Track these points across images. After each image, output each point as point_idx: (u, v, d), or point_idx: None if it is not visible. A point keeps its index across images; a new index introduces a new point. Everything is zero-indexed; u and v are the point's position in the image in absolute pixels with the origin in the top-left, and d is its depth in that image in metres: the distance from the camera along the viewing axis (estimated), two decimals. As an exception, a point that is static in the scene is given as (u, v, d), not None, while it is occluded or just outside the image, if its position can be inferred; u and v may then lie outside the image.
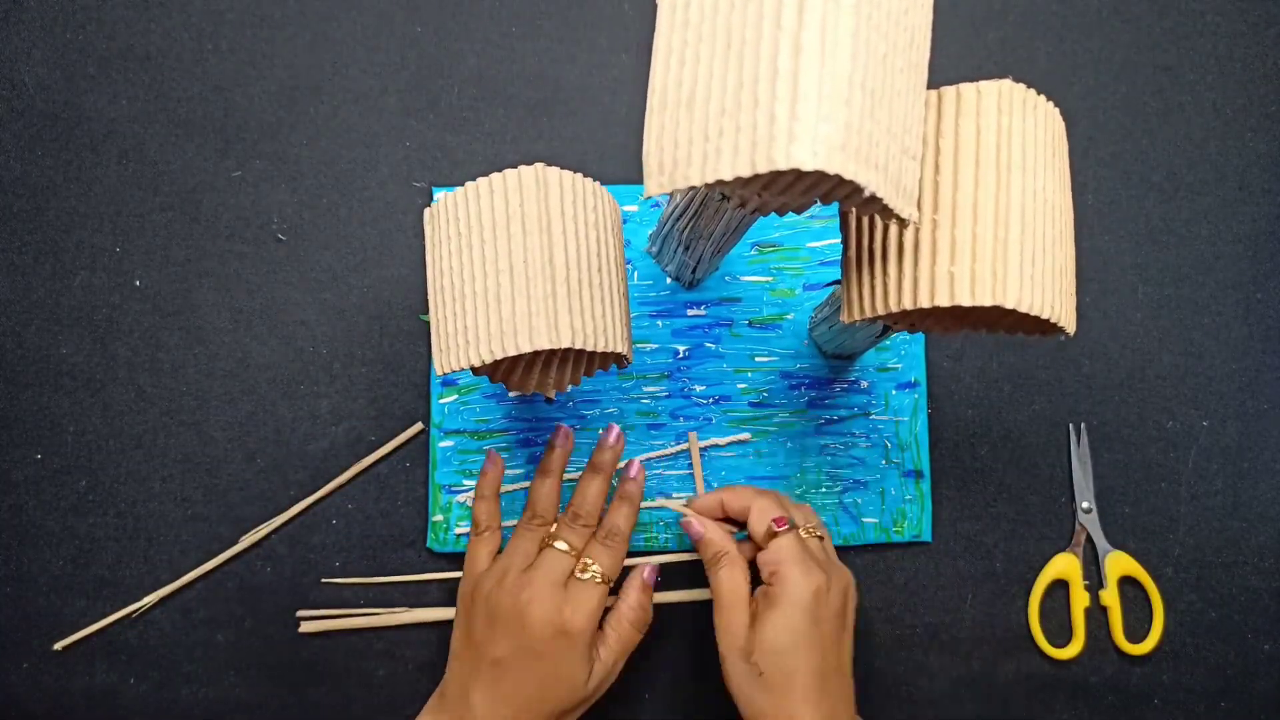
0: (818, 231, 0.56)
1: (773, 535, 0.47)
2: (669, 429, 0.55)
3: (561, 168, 0.39)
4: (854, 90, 0.26)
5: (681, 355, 0.55)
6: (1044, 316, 0.33)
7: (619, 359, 0.42)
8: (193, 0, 0.58)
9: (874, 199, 0.28)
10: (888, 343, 0.56)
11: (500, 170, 0.39)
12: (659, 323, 0.56)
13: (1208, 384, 0.57)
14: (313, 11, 0.58)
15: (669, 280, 0.56)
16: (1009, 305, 0.32)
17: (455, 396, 0.55)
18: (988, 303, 0.32)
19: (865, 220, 0.36)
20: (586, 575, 0.47)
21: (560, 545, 0.47)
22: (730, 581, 0.47)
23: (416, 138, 0.57)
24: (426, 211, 0.41)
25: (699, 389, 0.55)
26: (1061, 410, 0.57)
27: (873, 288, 0.35)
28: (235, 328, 0.56)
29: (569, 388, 0.45)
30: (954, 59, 0.59)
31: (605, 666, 0.47)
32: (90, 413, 0.55)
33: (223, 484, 0.55)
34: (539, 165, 0.38)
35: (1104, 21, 0.59)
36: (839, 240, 0.56)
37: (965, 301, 0.32)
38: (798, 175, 0.27)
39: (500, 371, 0.44)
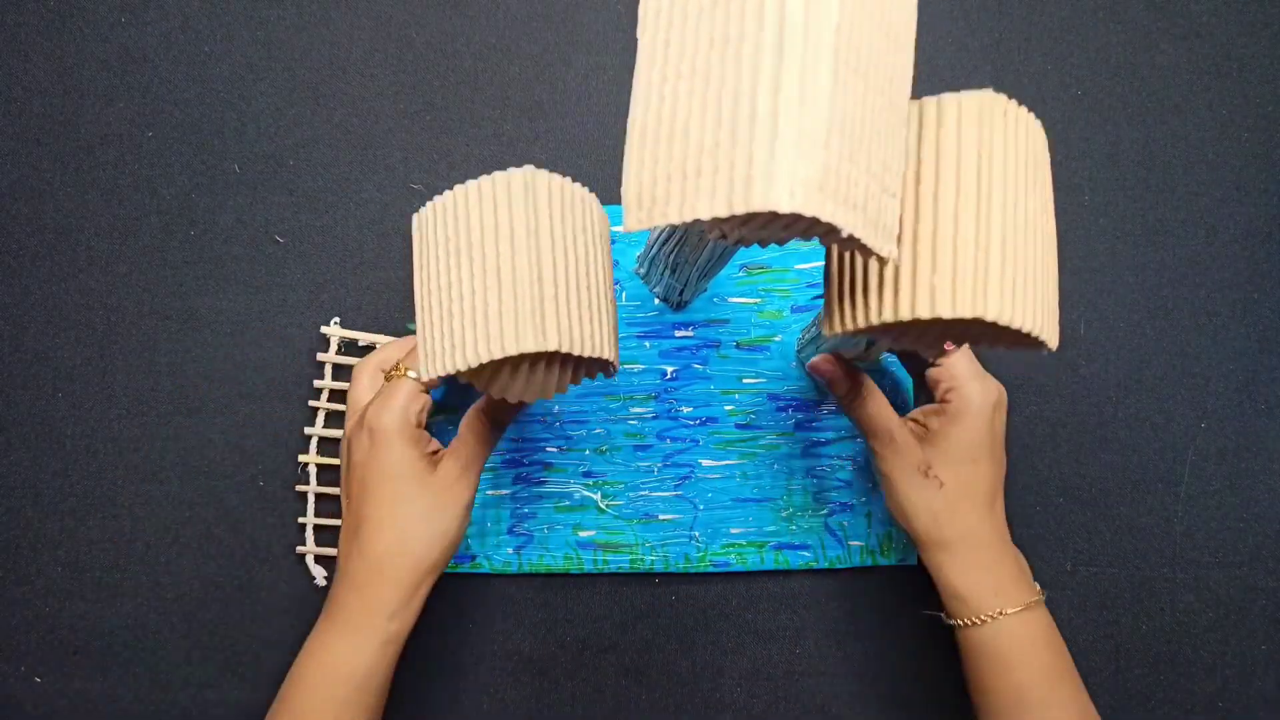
0: (806, 254, 0.56)
1: (944, 352, 0.47)
2: (656, 450, 0.55)
3: (558, 172, 0.39)
4: (832, 132, 0.26)
5: (669, 376, 0.55)
6: (1025, 330, 0.33)
7: (605, 366, 0.42)
8: (190, 3, 0.58)
9: (852, 238, 0.28)
10: (875, 364, 0.55)
11: (494, 173, 0.39)
12: (646, 343, 0.55)
13: (1205, 384, 0.57)
14: (310, 15, 0.58)
15: (657, 301, 0.56)
16: (990, 317, 0.32)
17: (442, 417, 0.54)
18: (968, 315, 0.32)
19: None
20: (398, 373, 0.45)
21: (396, 372, 0.46)
22: (881, 408, 0.47)
23: (413, 140, 0.57)
24: (415, 217, 0.41)
25: (686, 410, 0.55)
26: (1058, 411, 0.57)
27: (854, 300, 0.35)
28: (233, 330, 0.56)
29: (554, 395, 0.44)
30: (949, 58, 0.59)
31: (459, 458, 0.45)
32: (88, 416, 0.55)
33: (221, 487, 0.55)
34: (528, 169, 0.38)
35: (1101, 21, 0.59)
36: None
37: (946, 314, 0.32)
38: (775, 214, 0.27)
39: (484, 378, 0.44)
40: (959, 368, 0.47)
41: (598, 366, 0.43)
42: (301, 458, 0.55)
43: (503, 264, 0.38)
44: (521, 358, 0.40)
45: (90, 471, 0.55)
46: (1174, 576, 0.56)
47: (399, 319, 0.56)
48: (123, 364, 0.56)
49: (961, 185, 0.32)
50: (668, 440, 0.55)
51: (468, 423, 0.46)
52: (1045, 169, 0.35)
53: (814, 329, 0.50)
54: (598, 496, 0.55)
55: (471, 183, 0.38)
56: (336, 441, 0.55)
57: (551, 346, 0.37)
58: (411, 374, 0.46)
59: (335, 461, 0.55)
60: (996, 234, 0.32)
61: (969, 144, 0.33)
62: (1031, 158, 0.34)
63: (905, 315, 0.32)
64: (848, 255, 0.36)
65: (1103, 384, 0.57)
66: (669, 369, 0.55)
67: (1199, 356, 0.57)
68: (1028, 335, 0.33)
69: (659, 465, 0.55)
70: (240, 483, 0.55)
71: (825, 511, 0.55)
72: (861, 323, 0.34)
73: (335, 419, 0.55)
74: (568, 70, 0.58)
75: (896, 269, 0.33)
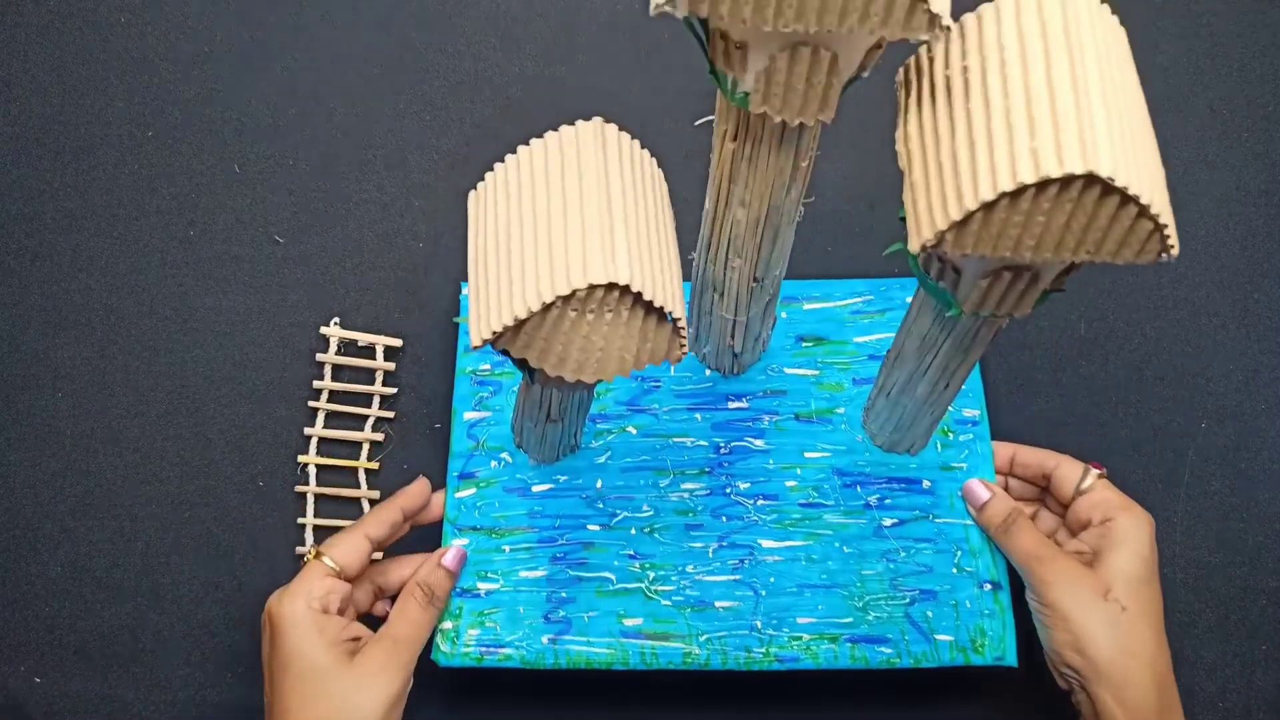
0: (865, 326, 0.53)
1: (1088, 486, 0.47)
2: (710, 529, 0.50)
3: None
4: None
5: (723, 450, 0.51)
6: (1144, 201, 0.29)
7: (672, 336, 0.38)
8: (190, 3, 0.58)
9: None
10: (950, 439, 0.51)
11: (562, 126, 0.38)
12: (698, 416, 0.51)
13: (1205, 385, 0.57)
14: (310, 15, 0.58)
15: (708, 372, 0.52)
16: (1104, 173, 0.28)
17: (473, 490, 0.50)
18: (1079, 170, 0.28)
19: (927, 131, 0.33)
20: (312, 556, 0.43)
21: (311, 556, 0.44)
22: (1036, 534, 0.45)
23: (413, 140, 0.57)
24: (471, 194, 0.39)
25: (743, 486, 0.50)
26: (1059, 411, 0.57)
27: (943, 194, 0.31)
28: (233, 330, 0.56)
29: (613, 377, 0.38)
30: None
31: (385, 642, 0.42)
32: (88, 416, 0.55)
33: (220, 487, 0.55)
34: (597, 120, 0.37)
35: (1101, 22, 0.59)
36: (888, 334, 0.52)
37: (1053, 171, 0.28)
38: None
39: (537, 346, 0.38)
40: (1109, 493, 0.46)
41: (662, 351, 0.38)
42: (301, 458, 0.55)
43: (569, 193, 0.35)
44: (582, 309, 0.36)
45: (90, 471, 0.55)
46: (1174, 576, 0.56)
47: (399, 319, 0.56)
48: (123, 364, 0.56)
49: (1052, 57, 0.30)
50: (723, 518, 0.50)
51: (403, 599, 0.45)
52: (1130, 60, 0.32)
53: (883, 374, 0.47)
54: (646, 581, 0.49)
55: (536, 141, 0.37)
56: (336, 442, 0.55)
57: (623, 278, 0.34)
58: (327, 560, 0.43)
59: (336, 462, 0.55)
60: (1096, 97, 0.29)
61: (1054, 20, 0.30)
62: (1117, 44, 0.32)
63: (1007, 185, 0.29)
64: (929, 152, 0.32)
65: (1103, 384, 0.57)
66: (722, 442, 0.51)
67: (1199, 356, 0.57)
68: (1146, 211, 0.29)
69: (714, 546, 0.49)
70: (240, 483, 0.55)
71: (905, 600, 0.48)
72: (955, 213, 0.30)
73: (335, 419, 0.55)
74: (568, 70, 0.58)
75: (990, 145, 0.30)
